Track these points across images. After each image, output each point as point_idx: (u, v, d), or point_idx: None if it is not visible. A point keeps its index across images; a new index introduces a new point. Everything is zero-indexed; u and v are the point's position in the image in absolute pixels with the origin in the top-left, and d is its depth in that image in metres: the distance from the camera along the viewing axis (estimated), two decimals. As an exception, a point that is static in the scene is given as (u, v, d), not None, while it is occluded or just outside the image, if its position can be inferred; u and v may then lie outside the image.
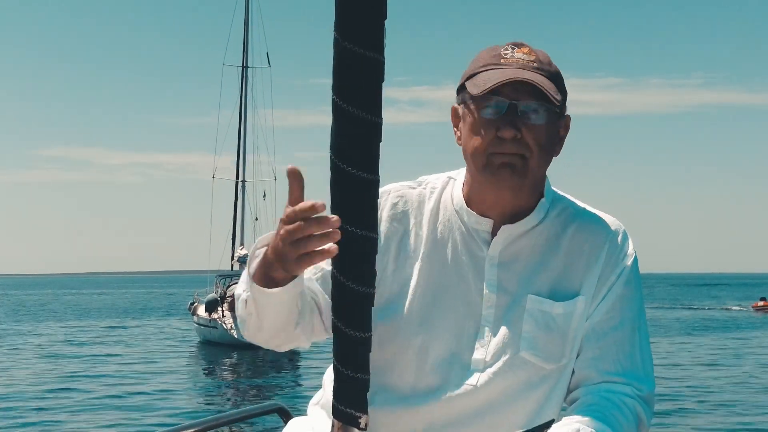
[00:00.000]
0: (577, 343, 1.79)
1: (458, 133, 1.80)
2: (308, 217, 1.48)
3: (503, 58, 1.72)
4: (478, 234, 1.80)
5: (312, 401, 1.98)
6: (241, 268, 38.90)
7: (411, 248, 1.81)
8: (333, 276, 1.55)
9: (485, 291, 1.78)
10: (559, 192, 1.88)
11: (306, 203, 1.49)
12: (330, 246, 1.48)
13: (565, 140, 1.82)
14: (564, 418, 1.69)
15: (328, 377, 1.90)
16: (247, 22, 47.60)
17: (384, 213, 1.83)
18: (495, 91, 1.68)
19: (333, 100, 1.48)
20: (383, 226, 1.82)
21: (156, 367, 25.42)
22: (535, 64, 1.71)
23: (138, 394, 19.49)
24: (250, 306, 1.68)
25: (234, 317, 31.12)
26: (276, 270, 1.60)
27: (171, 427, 2.62)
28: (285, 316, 1.71)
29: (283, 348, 1.84)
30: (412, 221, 1.83)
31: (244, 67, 47.65)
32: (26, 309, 70.56)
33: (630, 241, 1.85)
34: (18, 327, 45.59)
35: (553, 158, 1.79)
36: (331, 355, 1.62)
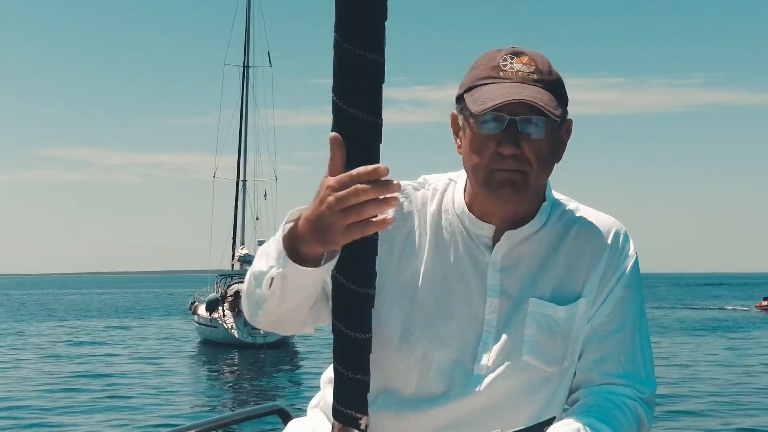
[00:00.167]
0: (579, 345, 1.78)
1: (458, 141, 1.78)
2: (367, 181, 1.41)
3: (502, 70, 1.69)
4: (479, 239, 1.79)
5: (311, 403, 1.98)
6: (242, 267, 39.01)
7: (414, 250, 1.80)
8: (333, 277, 1.54)
9: (488, 296, 1.77)
10: (560, 194, 1.87)
11: (367, 167, 1.41)
12: (387, 215, 1.43)
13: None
14: (564, 419, 1.69)
15: (326, 378, 1.89)
16: (248, 22, 47.71)
17: (389, 212, 1.81)
18: None
19: (333, 101, 1.48)
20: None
21: (156, 367, 25.43)
22: (534, 76, 1.68)
23: (138, 395, 19.50)
24: (276, 284, 1.58)
25: (234, 317, 31.25)
26: (310, 245, 1.51)
27: (171, 428, 2.62)
28: (307, 297, 1.65)
29: (288, 331, 1.79)
30: (416, 222, 1.82)
31: (246, 67, 47.74)
32: (27, 309, 70.61)
33: (631, 243, 1.84)
34: (18, 327, 45.62)
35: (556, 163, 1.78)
36: (329, 356, 1.61)
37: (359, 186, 1.41)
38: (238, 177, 47.13)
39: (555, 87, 1.71)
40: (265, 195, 45.37)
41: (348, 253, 1.51)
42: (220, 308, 32.37)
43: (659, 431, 13.75)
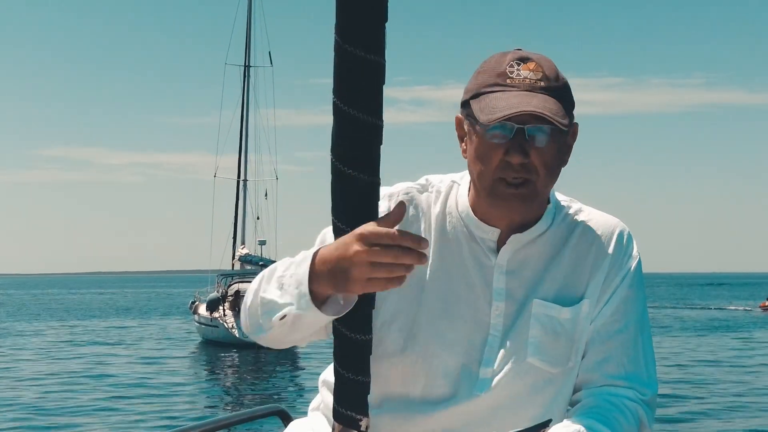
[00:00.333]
0: (582, 346, 1.78)
1: (463, 146, 1.77)
2: (406, 246, 1.44)
3: (509, 77, 1.67)
4: (484, 242, 1.79)
5: (312, 405, 1.97)
6: (242, 267, 39.01)
7: None
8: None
9: (493, 299, 1.77)
10: (562, 195, 1.87)
11: (414, 236, 1.45)
12: (402, 277, 1.46)
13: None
14: (565, 420, 1.69)
15: (325, 380, 1.89)
16: (249, 21, 47.67)
17: None
18: None
19: (334, 102, 1.48)
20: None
21: (156, 367, 25.43)
22: (542, 84, 1.67)
23: (138, 395, 19.49)
24: (289, 320, 1.59)
25: (235, 316, 31.22)
26: (322, 286, 1.53)
27: (171, 429, 2.61)
28: (316, 330, 1.67)
29: (283, 348, 1.81)
30: (422, 225, 1.81)
31: (247, 66, 47.70)
32: (27, 309, 70.65)
33: (634, 243, 1.84)
34: (19, 327, 45.64)
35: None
36: (329, 356, 1.61)
37: (399, 250, 1.43)
38: (238, 177, 47.14)
39: (562, 93, 1.70)
40: (266, 195, 45.43)
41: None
42: (221, 308, 32.36)
43: None
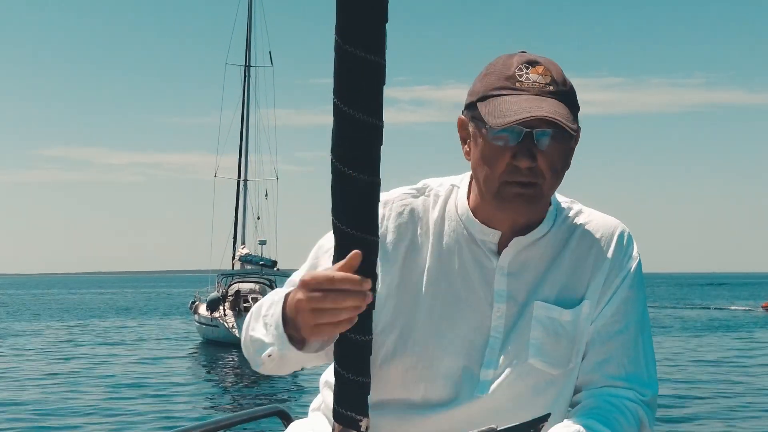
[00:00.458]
0: (583, 347, 1.78)
1: (467, 148, 1.76)
2: (345, 288, 1.38)
3: (518, 81, 1.67)
4: (485, 244, 1.78)
5: (312, 406, 1.97)
6: (243, 267, 39.04)
7: (418, 259, 1.79)
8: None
9: (495, 301, 1.77)
10: (562, 196, 1.87)
11: (353, 277, 1.38)
12: (350, 319, 1.40)
13: None
14: (565, 420, 1.69)
15: (325, 380, 1.89)
16: (250, 21, 47.74)
17: (390, 223, 1.79)
18: None
19: (334, 103, 1.47)
20: (390, 237, 1.78)
21: (157, 367, 25.43)
22: (551, 88, 1.67)
23: (138, 395, 19.49)
24: (275, 357, 1.60)
25: (235, 316, 31.26)
26: (290, 328, 1.53)
27: (171, 430, 2.61)
28: (309, 360, 1.68)
29: (285, 374, 1.82)
30: (418, 231, 1.80)
31: (247, 66, 47.74)
32: (27, 309, 70.65)
33: (634, 244, 1.85)
34: (19, 327, 45.65)
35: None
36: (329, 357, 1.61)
37: (337, 295, 1.39)
38: (239, 177, 47.21)
39: (570, 98, 1.70)
40: (266, 195, 45.51)
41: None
42: (221, 307, 32.37)
43: (660, 432, 13.75)
